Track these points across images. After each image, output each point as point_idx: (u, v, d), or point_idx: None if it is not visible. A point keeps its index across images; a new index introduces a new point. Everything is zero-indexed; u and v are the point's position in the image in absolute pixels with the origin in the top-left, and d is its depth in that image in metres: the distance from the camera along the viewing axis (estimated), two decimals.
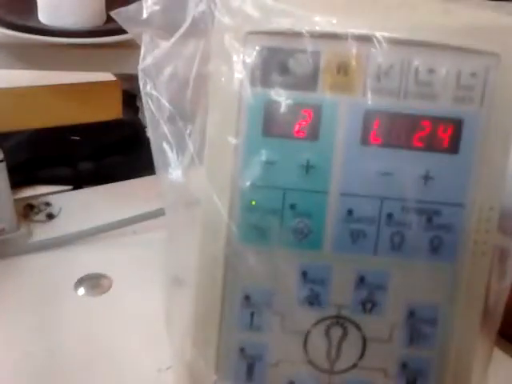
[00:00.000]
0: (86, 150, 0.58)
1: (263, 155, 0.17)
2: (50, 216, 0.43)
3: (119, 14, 0.18)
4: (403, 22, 0.16)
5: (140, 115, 0.69)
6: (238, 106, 0.17)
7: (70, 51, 0.37)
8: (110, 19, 0.40)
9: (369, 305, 0.17)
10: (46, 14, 0.36)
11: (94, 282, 0.36)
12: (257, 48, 0.16)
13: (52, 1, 0.36)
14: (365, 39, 0.16)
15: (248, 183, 0.17)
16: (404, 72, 0.16)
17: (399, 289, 0.17)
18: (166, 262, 0.20)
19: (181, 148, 0.18)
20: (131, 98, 0.64)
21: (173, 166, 0.18)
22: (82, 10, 0.37)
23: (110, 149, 0.60)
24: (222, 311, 0.17)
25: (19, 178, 0.49)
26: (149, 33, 0.18)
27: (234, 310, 0.17)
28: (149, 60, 0.18)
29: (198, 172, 0.18)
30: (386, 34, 0.16)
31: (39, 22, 0.37)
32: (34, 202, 0.45)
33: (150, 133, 0.18)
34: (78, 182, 0.55)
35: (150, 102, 0.18)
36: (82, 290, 0.36)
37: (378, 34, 0.16)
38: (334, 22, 0.16)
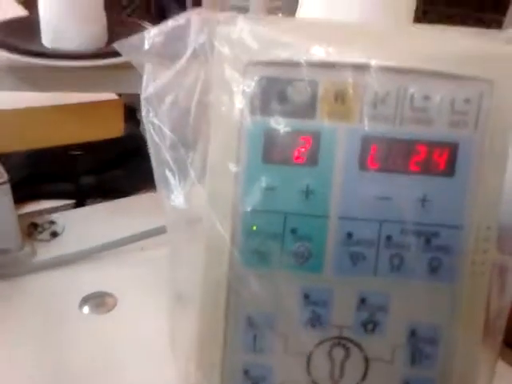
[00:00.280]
0: (88, 165, 0.59)
1: (263, 181, 0.17)
2: (54, 234, 0.43)
3: (121, 45, 0.19)
4: (398, 50, 0.17)
5: (141, 129, 0.70)
6: (239, 134, 0.17)
7: (73, 73, 0.37)
8: (111, 40, 0.41)
9: (370, 325, 0.17)
10: (49, 38, 0.37)
11: (99, 301, 0.37)
12: (256, 78, 0.17)
13: (55, 25, 0.37)
14: (361, 68, 0.16)
15: (249, 209, 0.17)
16: (400, 99, 0.17)
17: (400, 309, 0.17)
18: (169, 280, 0.21)
19: (183, 175, 0.19)
20: (132, 112, 0.65)
21: (175, 193, 0.19)
22: (84, 34, 0.37)
23: (111, 163, 0.60)
24: (225, 334, 0.18)
25: (22, 194, 0.49)
26: (151, 63, 0.19)
27: (238, 332, 0.18)
28: (151, 89, 0.19)
29: (199, 192, 0.19)
30: (381, 63, 0.16)
31: (42, 45, 0.37)
32: (38, 220, 0.45)
33: (152, 160, 0.19)
34: (80, 196, 0.56)
35: (152, 130, 0.19)
36: (86, 309, 0.36)
37: (374, 63, 0.16)
38: (331, 51, 0.16)
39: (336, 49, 0.17)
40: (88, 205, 0.52)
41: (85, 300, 0.36)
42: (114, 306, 0.36)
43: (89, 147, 0.59)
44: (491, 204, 0.17)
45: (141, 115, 0.18)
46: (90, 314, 0.36)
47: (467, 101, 0.16)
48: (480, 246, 0.17)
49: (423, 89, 0.16)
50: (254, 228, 0.17)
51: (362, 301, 0.17)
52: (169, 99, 0.19)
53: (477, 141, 0.17)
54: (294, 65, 0.17)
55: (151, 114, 0.19)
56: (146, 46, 0.18)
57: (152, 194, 0.50)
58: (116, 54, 0.38)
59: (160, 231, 0.41)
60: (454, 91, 0.16)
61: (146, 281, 0.37)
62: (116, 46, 0.19)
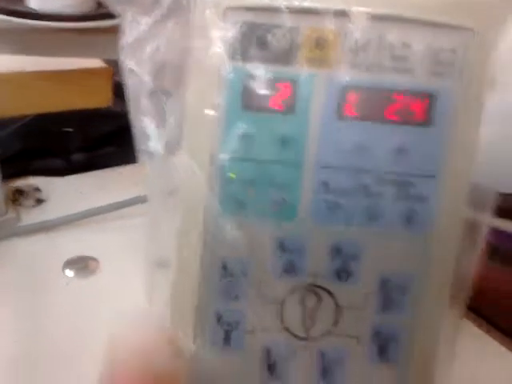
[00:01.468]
0: (79, 142, 0.58)
1: (241, 128, 0.17)
2: (39, 201, 0.43)
3: None
4: None
5: None
6: (217, 80, 0.17)
7: (59, 36, 0.37)
8: (99, 5, 0.40)
9: (344, 274, 0.17)
10: None
11: (82, 264, 0.37)
12: (235, 23, 0.17)
13: None
14: (342, 14, 0.16)
15: (227, 156, 0.17)
16: (380, 47, 0.16)
17: (373, 258, 0.17)
18: (148, 245, 0.21)
19: (161, 122, 0.19)
20: (123, 89, 0.64)
21: (153, 141, 0.18)
22: None
23: (102, 140, 0.60)
24: (200, 280, 0.18)
25: (11, 170, 0.49)
26: (131, 11, 0.18)
27: (212, 278, 0.18)
28: (131, 36, 0.19)
29: (180, 158, 0.18)
30: (362, 9, 0.16)
31: (27, 6, 0.37)
32: (23, 187, 0.45)
33: (130, 107, 0.19)
34: (71, 173, 0.55)
35: (131, 77, 0.19)
36: (70, 272, 0.36)
37: (355, 10, 0.16)
38: None
39: None
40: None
41: (68, 263, 0.37)
42: (97, 269, 0.36)
43: (80, 124, 0.59)
44: (467, 157, 0.17)
45: None
46: (73, 277, 0.36)
47: (448, 50, 0.16)
48: (454, 198, 0.17)
49: (403, 37, 0.16)
50: (232, 175, 0.17)
51: (337, 249, 0.17)
52: (149, 46, 0.19)
53: (456, 91, 0.17)
54: (275, 10, 0.17)
55: (130, 62, 0.19)
56: None
57: (138, 164, 0.49)
58: (105, 17, 0.38)
59: (140, 200, 0.41)
60: (434, 40, 0.16)
61: (129, 246, 0.37)
62: None
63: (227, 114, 0.17)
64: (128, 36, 0.19)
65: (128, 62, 0.19)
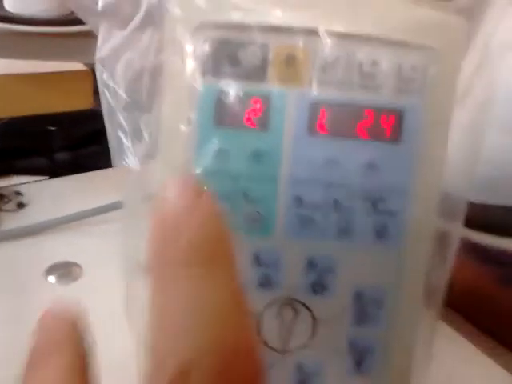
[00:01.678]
0: (62, 141, 0.58)
1: (215, 144, 0.17)
2: (21, 205, 0.43)
3: (76, 5, 0.19)
4: (348, 15, 0.17)
5: None
6: (190, 96, 0.17)
7: (38, 40, 0.37)
8: None
9: (318, 287, 0.18)
10: (11, 2, 0.36)
11: (65, 270, 0.37)
12: (207, 40, 0.17)
13: None
14: (311, 33, 0.17)
15: (200, 171, 0.17)
16: (348, 64, 0.17)
17: (347, 272, 0.18)
18: (124, 250, 0.21)
19: (136, 137, 0.19)
20: None
21: (129, 156, 0.19)
22: None
23: (86, 139, 0.59)
24: None
25: None
26: (105, 23, 0.18)
27: None
28: (105, 50, 0.19)
29: (154, 166, 0.19)
30: (331, 28, 0.16)
31: (4, 9, 0.36)
32: (4, 191, 0.45)
33: (106, 123, 0.19)
34: (55, 172, 0.55)
35: (106, 91, 0.19)
36: (52, 278, 0.36)
37: (323, 28, 0.16)
38: (282, 15, 0.17)
39: (287, 13, 0.17)
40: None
41: (51, 269, 0.36)
42: (80, 275, 0.36)
43: (63, 123, 0.58)
44: (435, 171, 0.18)
45: None
46: (55, 283, 0.36)
47: (413, 68, 0.17)
48: (425, 211, 0.18)
49: (371, 55, 0.17)
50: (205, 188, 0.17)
51: (311, 263, 0.18)
52: (123, 60, 0.19)
53: (422, 108, 0.17)
54: (245, 28, 0.17)
55: (105, 75, 0.19)
56: (100, 7, 0.18)
57: (121, 167, 0.49)
58: (80, 21, 0.38)
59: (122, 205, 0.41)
60: (401, 58, 0.17)
61: (113, 252, 0.38)
62: (71, 6, 0.19)
63: (200, 129, 0.17)
64: (102, 49, 0.19)
65: (102, 76, 0.19)
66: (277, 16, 0.17)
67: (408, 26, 0.17)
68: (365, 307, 0.18)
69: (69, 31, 0.35)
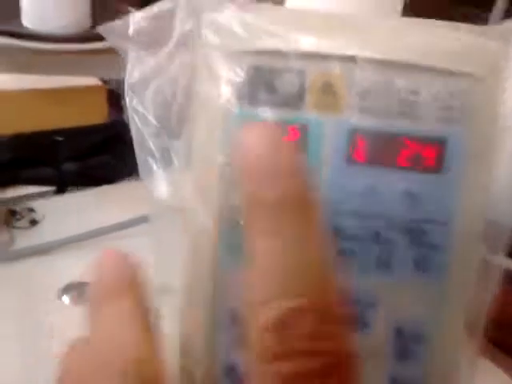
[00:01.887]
0: (70, 151, 0.58)
1: None
2: (33, 222, 0.43)
3: (105, 30, 0.18)
4: (386, 42, 0.16)
5: (125, 115, 0.69)
6: (225, 125, 0.17)
7: (55, 57, 0.36)
8: (95, 23, 0.39)
9: (359, 324, 0.17)
10: (29, 18, 0.36)
11: (79, 290, 0.36)
12: (243, 67, 0.16)
13: (36, 5, 0.36)
14: (349, 60, 0.16)
15: (236, 202, 0.17)
16: (387, 92, 0.16)
17: (387, 307, 0.17)
18: (154, 270, 0.20)
19: (166, 163, 0.18)
20: (116, 98, 0.64)
21: (158, 182, 0.18)
22: (67, 14, 0.36)
23: (94, 149, 0.59)
24: (209, 332, 0.17)
25: (1, 179, 0.48)
26: (135, 49, 0.18)
27: (223, 330, 0.17)
28: (135, 76, 0.18)
29: (184, 181, 0.18)
30: (370, 55, 0.16)
31: (22, 25, 0.36)
32: (16, 207, 0.44)
33: (135, 148, 0.18)
34: (62, 183, 0.55)
35: (135, 117, 0.18)
36: (66, 298, 0.36)
37: (362, 55, 0.16)
38: (320, 42, 0.16)
39: (325, 40, 0.16)
40: (68, 191, 0.51)
41: (65, 290, 0.36)
42: None
43: (71, 133, 0.58)
44: (479, 201, 0.17)
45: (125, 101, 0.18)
46: (69, 303, 0.35)
47: (454, 95, 0.16)
48: (468, 243, 0.17)
49: (411, 83, 0.16)
50: (242, 223, 0.17)
51: (354, 299, 0.17)
52: (153, 86, 0.18)
53: (465, 137, 0.16)
54: (282, 55, 0.16)
55: (135, 101, 0.18)
56: (131, 32, 0.18)
57: (135, 181, 0.49)
58: (100, 38, 0.37)
59: (142, 220, 0.40)
60: (442, 86, 0.16)
61: None
62: (100, 30, 0.18)
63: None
64: (132, 75, 0.19)
65: (132, 102, 0.18)
66: (313, 43, 0.16)
67: (447, 52, 0.16)
68: (405, 343, 0.17)
69: (87, 48, 0.35)
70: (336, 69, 0.16)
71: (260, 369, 0.11)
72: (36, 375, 0.29)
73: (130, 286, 0.14)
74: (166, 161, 0.18)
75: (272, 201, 0.12)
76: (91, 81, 0.45)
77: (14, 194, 0.48)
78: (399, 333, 0.17)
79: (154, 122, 0.18)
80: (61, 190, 0.53)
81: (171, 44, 0.17)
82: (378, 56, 0.16)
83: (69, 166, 0.57)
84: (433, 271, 0.17)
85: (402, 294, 0.17)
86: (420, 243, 0.17)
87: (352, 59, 0.16)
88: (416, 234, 0.17)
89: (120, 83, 0.20)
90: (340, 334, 0.12)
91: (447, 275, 0.17)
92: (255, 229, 0.12)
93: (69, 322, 0.34)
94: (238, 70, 0.16)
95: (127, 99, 0.18)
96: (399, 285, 0.17)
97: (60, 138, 0.56)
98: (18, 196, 0.47)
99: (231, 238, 0.17)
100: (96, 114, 0.47)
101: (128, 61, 0.18)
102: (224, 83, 0.17)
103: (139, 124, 0.18)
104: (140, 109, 0.18)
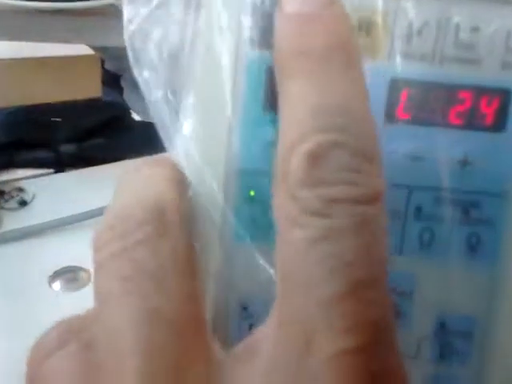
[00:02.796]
0: (68, 133, 0.55)
1: (265, 134, 0.14)
2: (23, 203, 0.40)
3: None
4: None
5: (124, 96, 0.66)
6: (234, 74, 0.14)
7: (42, 18, 0.33)
8: None
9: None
10: None
11: (71, 276, 0.34)
12: (256, 2, 0.13)
13: None
14: None
15: (246, 167, 0.14)
16: (441, 31, 0.13)
17: (428, 296, 0.14)
18: None
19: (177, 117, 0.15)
20: (115, 79, 0.61)
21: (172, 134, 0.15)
22: None
23: (92, 131, 0.57)
24: (211, 323, 0.14)
25: None
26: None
27: (230, 322, 0.14)
28: (133, 25, 0.15)
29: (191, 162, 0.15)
30: None
31: None
32: (4, 187, 0.41)
33: (146, 100, 0.15)
34: (60, 165, 0.52)
35: (142, 82, 0.15)
36: (57, 285, 0.33)
37: None
38: None
39: None
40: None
41: (56, 275, 0.33)
42: (88, 281, 0.33)
43: (69, 114, 0.55)
44: None
45: (125, 83, 0.15)
46: (61, 290, 0.32)
47: None
48: None
49: (471, 18, 0.13)
50: (252, 193, 0.14)
51: None
52: (156, 35, 0.15)
53: None
54: None
55: (137, 54, 0.15)
56: None
57: (130, 161, 0.46)
58: None
59: None
60: (510, 22, 0.13)
61: None
62: None
63: (246, 115, 0.14)
64: (131, 25, 0.15)
65: (135, 55, 0.15)
66: None
67: None
68: (449, 340, 0.14)
69: (76, 7, 0.32)
70: (377, 2, 0.13)
71: (293, 197, 0.11)
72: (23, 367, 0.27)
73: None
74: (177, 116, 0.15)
75: (320, 46, 0.11)
76: (83, 50, 0.42)
77: (10, 177, 0.45)
78: (442, 328, 0.14)
79: (161, 84, 0.15)
80: (59, 173, 0.50)
81: None
82: None
83: (67, 148, 0.55)
84: (485, 254, 0.14)
85: (446, 280, 0.14)
86: (471, 219, 0.14)
87: None
88: (467, 208, 0.14)
89: (118, 63, 0.16)
90: (376, 172, 0.11)
91: (502, 259, 0.14)
92: (297, 76, 0.12)
93: (60, 308, 0.32)
94: (249, 6, 0.13)
95: (130, 58, 0.15)
96: (444, 269, 0.14)
97: (58, 119, 0.54)
98: (12, 179, 0.45)
99: (240, 211, 0.14)
100: (89, 88, 0.44)
101: (123, 8, 0.15)
102: (232, 24, 0.13)
103: (146, 92, 0.15)
104: (145, 74, 0.15)
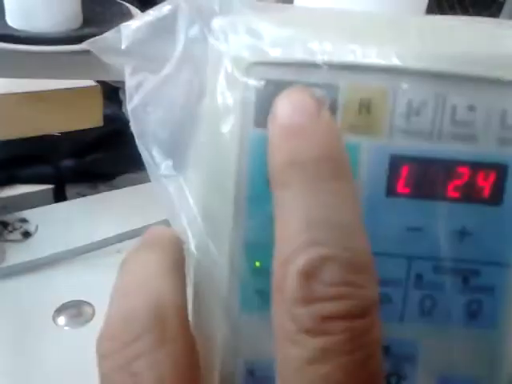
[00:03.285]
0: (68, 148, 0.55)
1: (269, 208, 0.14)
2: (26, 234, 0.40)
3: (95, 44, 0.15)
4: (436, 51, 0.14)
5: (123, 109, 0.66)
6: (239, 149, 0.14)
7: (44, 58, 0.34)
8: (86, 21, 0.36)
9: (394, 378, 0.15)
10: (15, 18, 0.33)
11: (76, 311, 0.34)
12: (261, 81, 0.14)
13: (22, 3, 0.32)
14: (392, 71, 0.13)
15: (251, 239, 0.14)
16: (438, 110, 0.14)
17: (430, 361, 0.15)
18: None
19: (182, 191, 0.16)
20: (114, 92, 0.61)
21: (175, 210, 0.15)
22: (55, 13, 0.33)
23: (92, 145, 0.57)
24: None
25: None
26: (131, 64, 0.15)
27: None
28: (136, 99, 0.15)
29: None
30: (418, 65, 0.13)
31: (8, 25, 0.33)
32: (8, 219, 0.41)
33: (150, 176, 0.16)
34: (60, 180, 0.52)
35: (144, 150, 0.16)
36: (62, 320, 0.33)
37: (408, 65, 0.13)
38: (355, 50, 0.13)
39: (361, 47, 0.13)
40: (68, 189, 0.49)
41: (60, 310, 0.33)
42: (93, 316, 0.33)
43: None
44: None
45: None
46: (65, 325, 0.33)
47: None
48: None
49: (467, 97, 0.13)
50: (258, 264, 0.14)
51: (386, 349, 0.14)
52: (158, 110, 0.15)
53: None
54: (310, 66, 0.13)
55: (140, 127, 0.16)
56: (124, 45, 0.15)
57: (131, 188, 0.46)
58: (92, 36, 0.34)
59: (143, 231, 0.38)
60: (505, 101, 0.13)
61: None
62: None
63: (250, 190, 0.14)
64: (133, 98, 0.16)
65: (138, 128, 0.16)
66: (348, 51, 0.13)
67: (509, 62, 0.13)
68: None
69: (78, 49, 0.32)
70: (375, 82, 0.13)
71: (289, 314, 0.11)
72: None
73: (169, 243, 0.15)
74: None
75: (309, 159, 0.12)
76: (85, 81, 0.42)
77: (11, 193, 0.45)
78: None
79: (162, 155, 0.16)
80: (59, 188, 0.51)
81: (174, 58, 0.14)
82: (428, 66, 0.13)
83: (67, 163, 0.55)
84: (485, 320, 0.14)
85: (448, 346, 0.15)
86: (471, 287, 0.14)
87: (396, 70, 0.13)
88: (466, 276, 0.14)
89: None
90: (368, 283, 0.12)
91: (503, 324, 0.14)
92: (288, 186, 0.12)
93: (65, 345, 0.32)
94: (255, 85, 0.14)
95: (132, 124, 0.16)
96: (445, 335, 0.14)
97: (57, 134, 0.54)
98: (14, 195, 0.45)
99: (246, 282, 0.14)
100: (91, 117, 0.45)
101: (125, 80, 0.15)
102: (238, 102, 0.14)
103: (149, 159, 0.16)
104: (146, 135, 0.16)
